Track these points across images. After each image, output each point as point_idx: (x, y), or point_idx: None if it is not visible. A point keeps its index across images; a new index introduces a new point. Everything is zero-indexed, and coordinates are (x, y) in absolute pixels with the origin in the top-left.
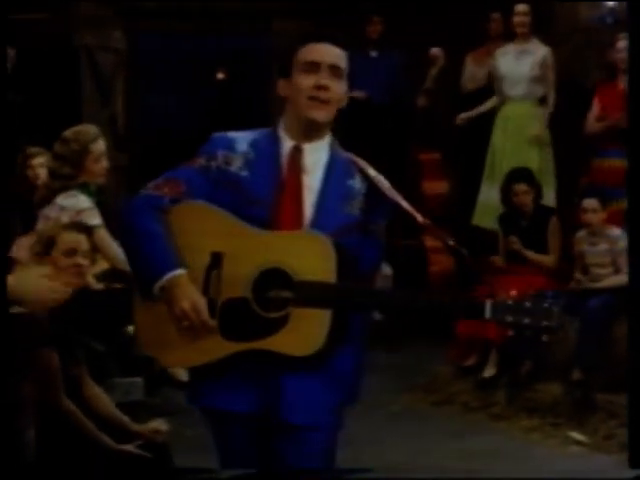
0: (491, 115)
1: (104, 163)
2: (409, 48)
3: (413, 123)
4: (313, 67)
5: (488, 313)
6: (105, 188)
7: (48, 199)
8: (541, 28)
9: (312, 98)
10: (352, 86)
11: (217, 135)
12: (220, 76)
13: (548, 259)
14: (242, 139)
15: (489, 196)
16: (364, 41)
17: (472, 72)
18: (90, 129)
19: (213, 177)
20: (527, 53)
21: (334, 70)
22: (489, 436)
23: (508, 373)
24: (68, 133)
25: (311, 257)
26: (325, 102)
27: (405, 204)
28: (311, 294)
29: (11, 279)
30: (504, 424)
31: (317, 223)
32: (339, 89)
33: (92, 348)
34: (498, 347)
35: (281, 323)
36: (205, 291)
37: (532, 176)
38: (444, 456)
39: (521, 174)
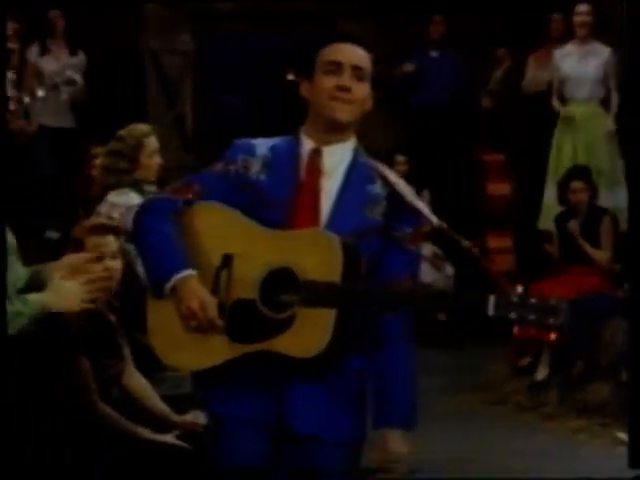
0: (554, 116)
1: (157, 159)
2: (470, 49)
3: (477, 124)
4: (335, 68)
5: (491, 309)
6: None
7: (101, 196)
8: (602, 28)
9: (334, 98)
10: (415, 85)
11: (239, 141)
12: (289, 77)
13: (601, 254)
14: (263, 144)
15: (553, 198)
16: (425, 41)
17: (534, 74)
18: (143, 126)
19: (231, 181)
20: (592, 54)
21: (357, 71)
22: (539, 436)
23: (560, 374)
24: (122, 131)
25: (317, 255)
26: (347, 102)
27: (424, 209)
28: (315, 294)
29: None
30: (554, 424)
31: (332, 226)
32: (362, 91)
33: (141, 342)
34: (551, 348)
35: (287, 324)
36: (214, 292)
37: (589, 175)
38: (495, 455)
39: (579, 172)
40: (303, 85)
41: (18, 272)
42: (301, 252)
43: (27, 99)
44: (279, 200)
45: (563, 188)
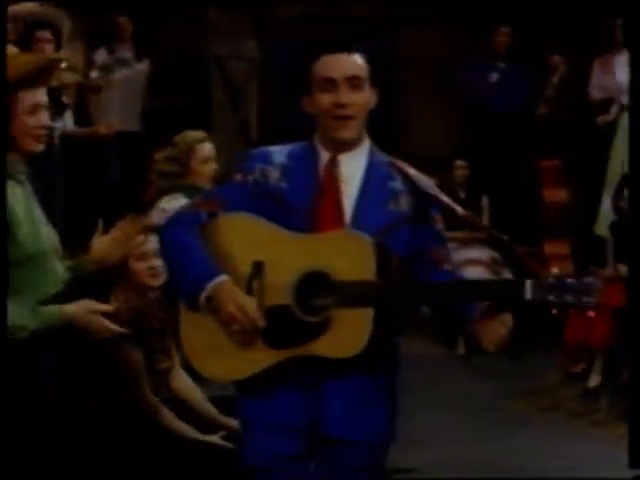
0: (613, 124)
1: (211, 166)
2: (532, 56)
3: (534, 131)
4: (330, 84)
5: (528, 293)
6: None
7: (154, 201)
8: None
9: (335, 117)
10: (483, 96)
11: (255, 150)
12: None
13: None
14: (279, 152)
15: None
16: (492, 52)
17: (599, 79)
18: (197, 133)
19: (251, 191)
20: None
21: (352, 81)
22: (587, 441)
23: (612, 380)
24: (177, 137)
25: (350, 257)
26: (348, 118)
27: (446, 199)
28: (350, 294)
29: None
30: (603, 431)
31: (358, 225)
32: (361, 99)
33: None
34: (603, 354)
35: (323, 327)
36: None
37: None
38: (545, 460)
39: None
40: (304, 100)
41: (57, 274)
42: (333, 254)
43: None
44: (301, 207)
45: (616, 196)
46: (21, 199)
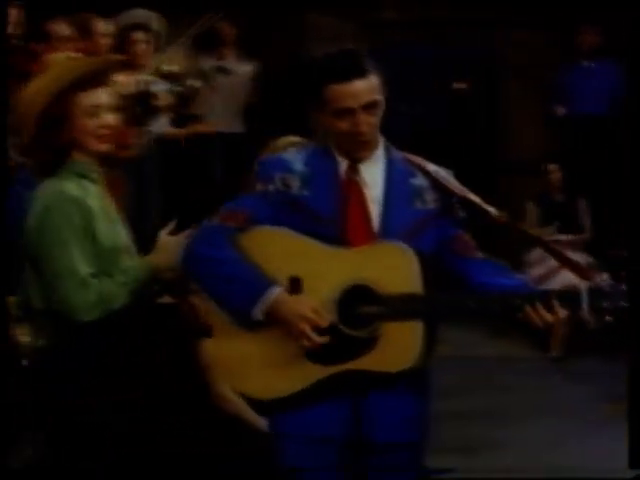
0: None
1: None
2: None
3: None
4: (347, 113)
5: (585, 302)
6: None
7: None
8: None
9: (351, 140)
10: (569, 97)
11: (270, 158)
12: (459, 85)
13: None
14: (297, 159)
15: None
16: (579, 51)
17: None
18: (293, 138)
19: (273, 200)
20: None
21: (368, 107)
22: None
23: None
24: (272, 141)
25: (394, 269)
26: (365, 140)
27: (473, 196)
28: (400, 307)
29: None
30: None
31: (387, 229)
32: (376, 118)
33: None
34: None
35: (372, 341)
36: None
37: None
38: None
39: None
40: (314, 117)
41: (127, 272)
42: (374, 267)
43: None
44: (327, 215)
45: None
46: (96, 197)
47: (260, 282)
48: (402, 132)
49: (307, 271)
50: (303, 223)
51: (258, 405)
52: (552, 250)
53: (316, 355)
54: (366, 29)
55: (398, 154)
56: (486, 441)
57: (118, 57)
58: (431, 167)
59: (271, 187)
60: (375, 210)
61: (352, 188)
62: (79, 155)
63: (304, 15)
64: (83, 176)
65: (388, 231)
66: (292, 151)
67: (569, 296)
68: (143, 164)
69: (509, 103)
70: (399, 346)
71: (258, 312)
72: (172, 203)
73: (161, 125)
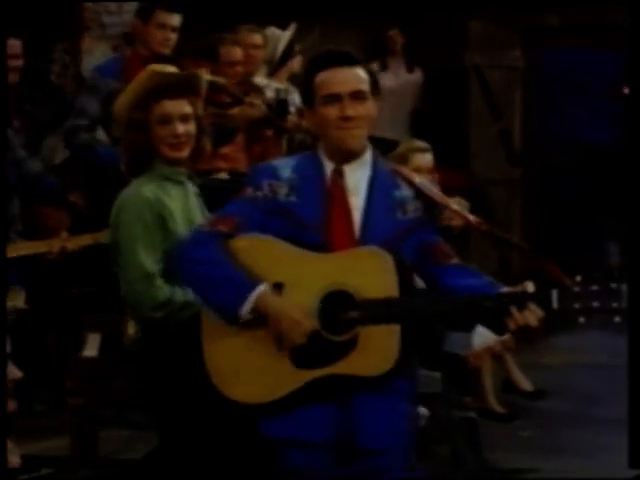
0: None
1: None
2: None
3: None
4: (334, 99)
5: (555, 303)
6: None
7: None
8: None
9: (339, 128)
10: None
11: (260, 165)
12: (625, 90)
13: None
14: (285, 165)
15: None
16: None
17: None
18: (419, 143)
19: (262, 207)
20: None
21: (356, 94)
22: None
23: None
24: (401, 143)
25: (371, 274)
26: (353, 128)
27: (455, 207)
28: (376, 311)
29: None
30: None
31: (366, 237)
32: (366, 109)
33: None
34: None
35: (351, 345)
36: None
37: None
38: None
39: None
40: (306, 114)
41: None
42: (353, 273)
43: None
44: (313, 222)
45: None
46: (178, 198)
47: (247, 281)
48: (560, 140)
49: (290, 278)
50: (290, 230)
51: (246, 410)
52: (533, 257)
53: (300, 360)
54: (528, 35)
55: (385, 165)
56: None
57: (206, 74)
58: (416, 179)
59: (259, 194)
60: (357, 219)
61: (337, 194)
62: (162, 159)
63: (466, 23)
64: (167, 178)
65: (370, 238)
66: (282, 158)
67: (540, 297)
68: None
69: None
70: (378, 349)
71: (245, 310)
72: None
73: None
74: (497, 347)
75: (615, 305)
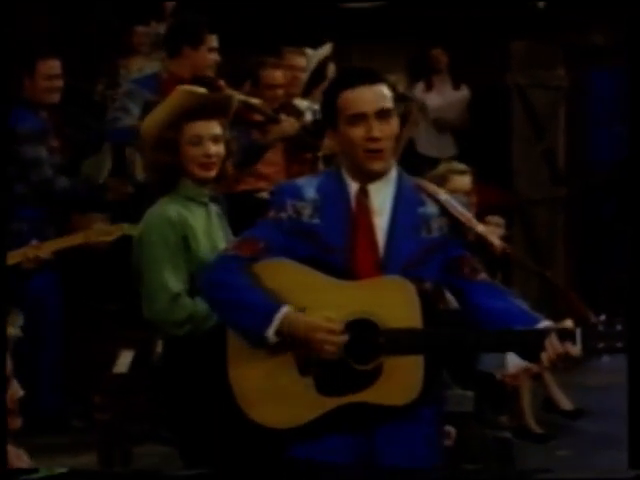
0: None
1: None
2: None
3: None
4: (360, 118)
5: (579, 343)
6: None
7: None
8: None
9: (366, 150)
10: None
11: (283, 185)
12: None
13: None
14: (308, 185)
15: None
16: None
17: None
18: (459, 165)
19: (286, 228)
20: None
21: (382, 113)
22: None
23: None
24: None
25: (395, 304)
26: (379, 151)
27: (481, 228)
28: (400, 342)
29: None
30: None
31: (391, 258)
32: (391, 129)
33: None
34: None
35: (376, 374)
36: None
37: None
38: None
39: None
40: (329, 134)
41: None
42: (377, 302)
43: None
44: (337, 245)
45: None
46: (201, 219)
47: (271, 304)
48: (607, 158)
49: (313, 304)
50: (313, 251)
51: (270, 434)
52: (554, 285)
53: (324, 387)
54: (572, 54)
55: (410, 182)
56: None
57: (239, 94)
58: (442, 196)
59: (283, 215)
60: (381, 239)
61: (361, 216)
62: (186, 179)
63: (509, 42)
64: (191, 199)
65: (393, 260)
66: (305, 177)
67: (564, 334)
68: None
69: None
70: (402, 379)
71: (271, 332)
72: None
73: None
74: (534, 368)
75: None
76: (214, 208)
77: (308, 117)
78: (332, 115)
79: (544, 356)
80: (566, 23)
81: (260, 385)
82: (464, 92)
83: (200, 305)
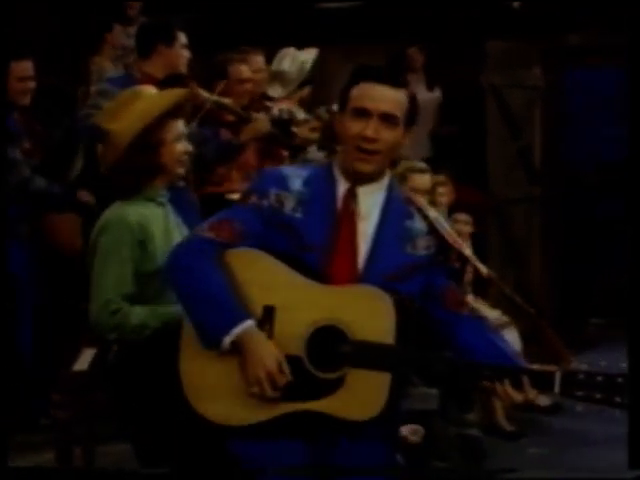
0: None
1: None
2: None
3: None
4: (363, 114)
5: (557, 387)
6: None
7: None
8: None
9: (358, 148)
10: None
11: (268, 171)
12: None
13: None
14: (295, 176)
15: None
16: None
17: None
18: (417, 164)
19: (266, 217)
20: None
21: (386, 118)
22: None
23: None
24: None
25: (369, 315)
26: (372, 153)
27: (467, 252)
28: (366, 355)
29: None
30: None
31: (372, 268)
32: (391, 137)
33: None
34: None
35: (336, 385)
36: None
37: None
38: None
39: None
40: (337, 117)
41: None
42: (351, 310)
43: None
44: (316, 244)
45: None
46: (159, 219)
47: (237, 312)
48: (582, 158)
49: (283, 302)
50: (290, 246)
51: (219, 430)
52: (537, 323)
53: (282, 391)
54: (548, 54)
55: (400, 193)
56: None
57: (212, 94)
58: (432, 213)
59: (265, 202)
60: (364, 246)
61: (346, 218)
62: (160, 179)
63: (486, 41)
64: (151, 200)
65: (372, 271)
66: (294, 166)
67: (542, 377)
68: None
69: None
70: (363, 394)
71: (227, 341)
72: None
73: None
74: None
75: (618, 400)
76: (170, 208)
77: (274, 112)
78: (344, 102)
79: (508, 389)
80: (542, 23)
81: (213, 382)
82: (437, 94)
83: (133, 318)
